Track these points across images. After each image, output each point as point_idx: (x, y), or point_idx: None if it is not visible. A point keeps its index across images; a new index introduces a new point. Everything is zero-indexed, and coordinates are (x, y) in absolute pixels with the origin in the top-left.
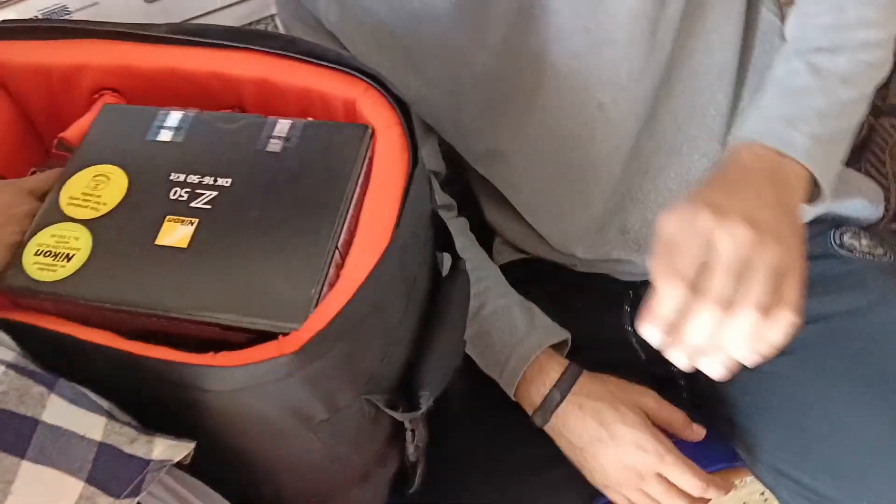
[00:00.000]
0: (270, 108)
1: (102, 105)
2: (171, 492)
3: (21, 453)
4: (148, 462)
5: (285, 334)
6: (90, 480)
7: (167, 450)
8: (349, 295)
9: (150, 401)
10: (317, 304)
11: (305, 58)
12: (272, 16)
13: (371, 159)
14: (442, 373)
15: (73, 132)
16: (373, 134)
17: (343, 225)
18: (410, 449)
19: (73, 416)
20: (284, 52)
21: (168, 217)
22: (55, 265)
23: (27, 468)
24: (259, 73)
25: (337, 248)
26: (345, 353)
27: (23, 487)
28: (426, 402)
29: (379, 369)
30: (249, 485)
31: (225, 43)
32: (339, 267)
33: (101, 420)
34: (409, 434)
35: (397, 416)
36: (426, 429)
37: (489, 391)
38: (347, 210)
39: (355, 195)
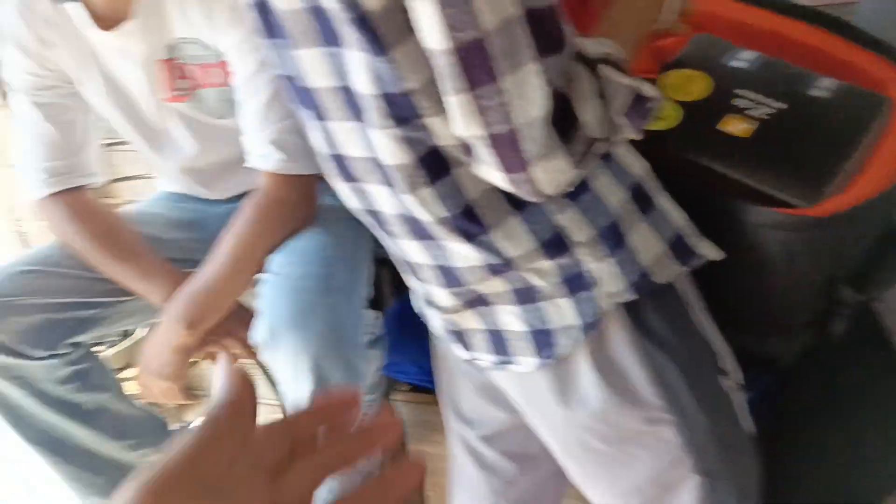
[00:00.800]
0: (819, 69)
1: (694, 35)
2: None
3: None
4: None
5: (802, 207)
6: None
7: (711, 250)
8: (854, 201)
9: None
10: (828, 197)
11: (853, 41)
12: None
13: (889, 123)
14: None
15: (668, 43)
16: (892, 105)
17: (856, 157)
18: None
19: None
20: (839, 33)
21: (730, 115)
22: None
23: None
24: (816, 42)
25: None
26: (840, 237)
27: None
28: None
29: (848, 257)
30: (737, 306)
31: (799, 18)
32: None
33: None
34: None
35: (850, 295)
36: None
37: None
38: (860, 148)
39: (866, 140)
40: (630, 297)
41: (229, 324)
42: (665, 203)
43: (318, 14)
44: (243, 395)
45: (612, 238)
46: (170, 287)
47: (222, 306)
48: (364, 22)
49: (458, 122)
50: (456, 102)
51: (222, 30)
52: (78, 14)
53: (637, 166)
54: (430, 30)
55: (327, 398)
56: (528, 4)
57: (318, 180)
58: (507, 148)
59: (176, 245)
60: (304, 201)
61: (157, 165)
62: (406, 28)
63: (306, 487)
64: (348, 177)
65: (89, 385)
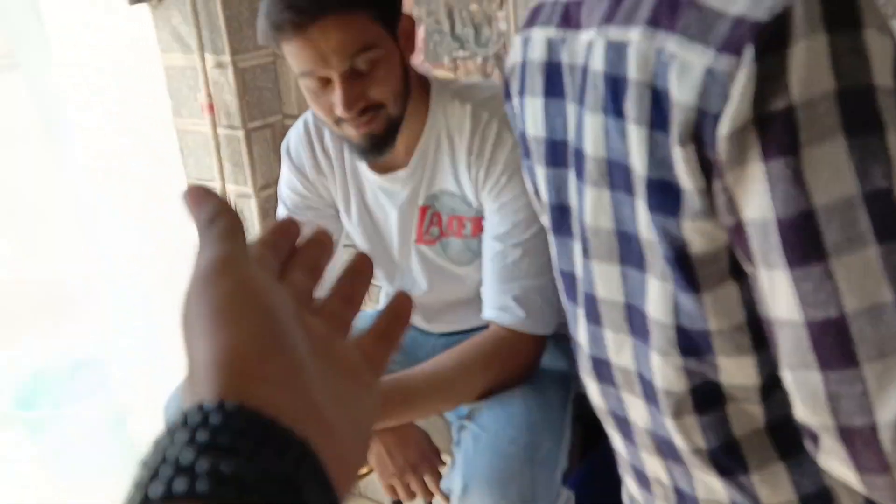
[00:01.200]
0: None
1: None
2: None
3: None
4: None
5: None
6: None
7: None
8: None
9: None
10: None
11: None
12: None
13: None
14: None
15: None
16: None
17: None
18: None
19: None
20: None
21: None
22: None
23: None
24: None
25: None
26: None
27: None
28: None
29: None
30: None
31: None
32: None
33: None
34: None
35: None
36: None
37: None
38: None
39: None
40: None
41: (414, 458)
42: None
43: (628, 239)
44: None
45: None
46: None
47: (399, 418)
48: (682, 261)
49: (798, 405)
50: (802, 381)
51: (488, 192)
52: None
53: None
54: (780, 299)
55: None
56: None
57: (546, 342)
58: (863, 444)
59: None
60: (529, 361)
61: (387, 292)
62: (726, 273)
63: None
64: (605, 379)
65: None
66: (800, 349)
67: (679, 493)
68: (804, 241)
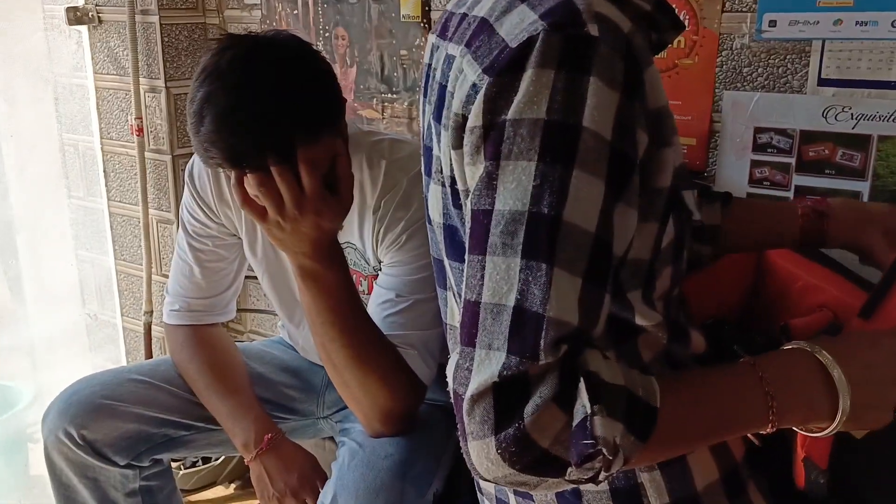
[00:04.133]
0: None
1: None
2: None
3: None
4: None
5: None
6: None
7: None
8: None
9: None
10: None
11: None
12: None
13: None
14: None
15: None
16: None
17: None
18: None
19: None
20: None
21: None
22: None
23: None
24: None
25: None
26: None
27: None
28: None
29: None
30: None
31: None
32: None
33: None
34: None
35: None
36: None
37: None
38: None
39: None
40: None
41: (294, 482)
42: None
43: (453, 231)
44: None
45: None
46: (252, 435)
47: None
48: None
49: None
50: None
51: (386, 248)
52: None
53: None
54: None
55: None
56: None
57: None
58: (458, 411)
59: (278, 388)
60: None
61: (290, 331)
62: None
63: None
64: None
65: (153, 503)
66: (461, 324)
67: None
68: (478, 233)
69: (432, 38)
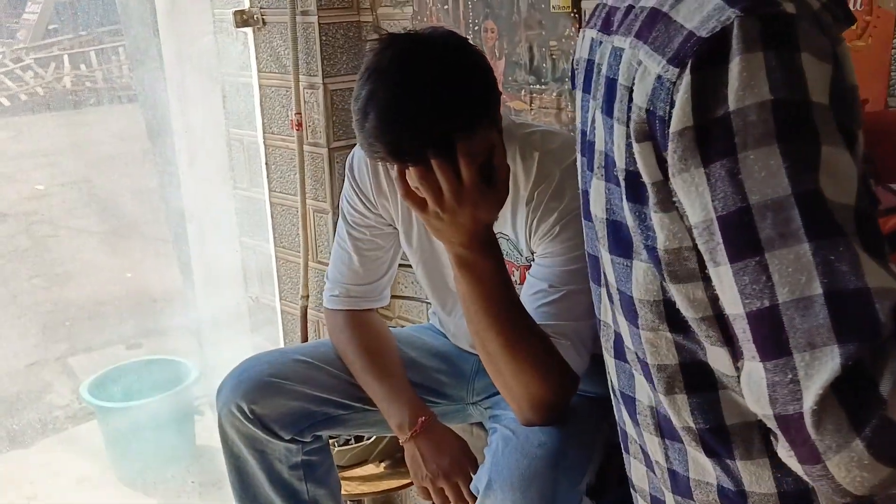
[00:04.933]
0: None
1: None
2: None
3: None
4: None
5: None
6: None
7: None
8: None
9: None
10: None
11: None
12: None
13: None
14: None
15: None
16: None
17: None
18: None
19: None
20: None
21: None
22: None
23: None
24: None
25: None
26: None
27: None
28: None
29: None
30: None
31: None
32: None
33: None
34: None
35: None
36: None
37: None
38: None
39: None
40: None
41: (447, 465)
42: None
43: (617, 227)
44: None
45: None
46: (407, 418)
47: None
48: (654, 251)
49: (748, 396)
50: (748, 372)
51: (539, 239)
52: None
53: None
54: (727, 294)
55: None
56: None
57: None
58: (796, 431)
59: (429, 372)
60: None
61: (442, 318)
62: (696, 273)
63: None
64: (620, 356)
65: (313, 477)
66: (745, 340)
67: (673, 475)
68: (741, 236)
69: (592, 32)
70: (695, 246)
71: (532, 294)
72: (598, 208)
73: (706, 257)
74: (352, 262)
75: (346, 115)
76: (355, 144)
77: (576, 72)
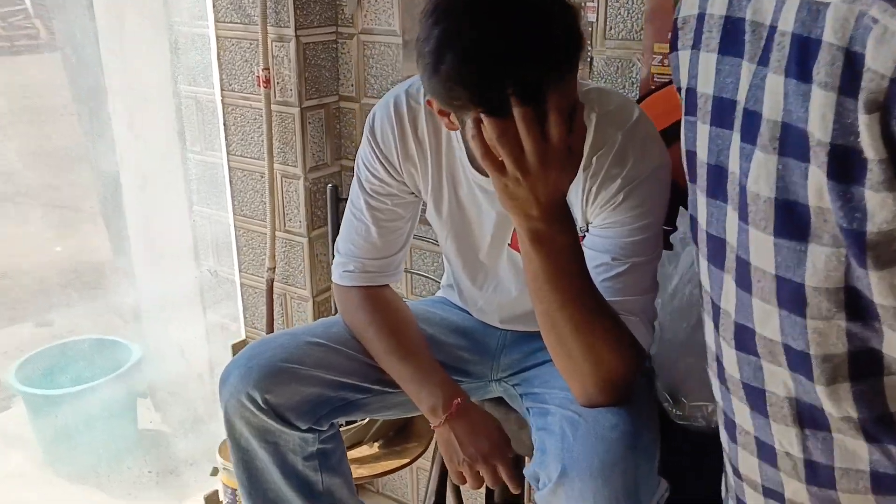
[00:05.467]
0: None
1: None
2: None
3: None
4: None
5: None
6: None
7: None
8: None
9: None
10: None
11: None
12: None
13: None
14: None
15: None
16: None
17: None
18: None
19: None
20: None
21: None
22: None
23: None
24: None
25: None
26: None
27: None
28: None
29: None
30: None
31: None
32: None
33: None
34: None
35: None
36: None
37: None
38: None
39: None
40: None
41: (486, 448)
42: None
43: (789, 208)
44: None
45: None
46: (441, 401)
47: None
48: (858, 234)
49: None
50: None
51: (600, 208)
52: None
53: None
54: None
55: None
56: None
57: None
58: None
59: (451, 349)
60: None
61: (470, 293)
62: None
63: None
64: (745, 348)
65: (327, 466)
66: None
67: (811, 466)
68: None
69: None
70: None
71: (594, 268)
72: (761, 186)
73: None
74: (369, 234)
75: (320, 72)
76: (326, 104)
77: (681, 30)
